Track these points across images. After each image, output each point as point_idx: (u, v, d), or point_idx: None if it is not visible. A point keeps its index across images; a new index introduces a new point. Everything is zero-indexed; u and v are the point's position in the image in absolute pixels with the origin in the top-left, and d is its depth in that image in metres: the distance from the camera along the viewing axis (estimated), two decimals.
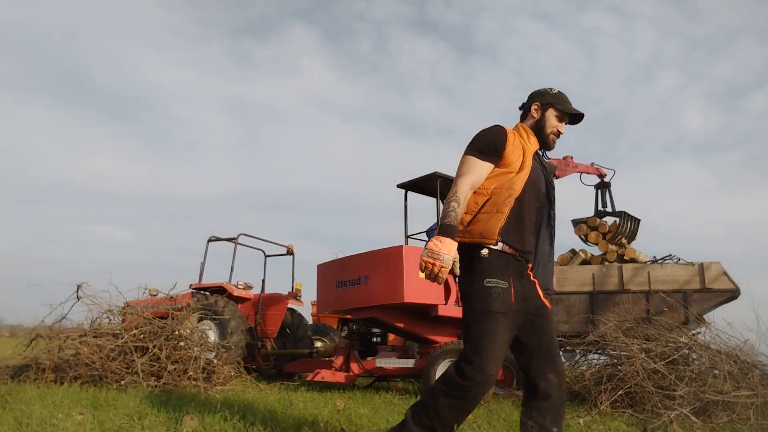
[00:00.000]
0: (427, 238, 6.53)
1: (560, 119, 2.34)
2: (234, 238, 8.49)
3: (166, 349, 5.10)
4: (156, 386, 4.67)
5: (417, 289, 5.40)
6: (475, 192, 2.16)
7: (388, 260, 5.53)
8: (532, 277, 2.22)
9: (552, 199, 2.35)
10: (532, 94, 2.40)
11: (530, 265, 2.24)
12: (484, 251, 2.08)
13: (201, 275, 8.39)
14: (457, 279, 2.22)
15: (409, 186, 6.56)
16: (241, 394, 4.83)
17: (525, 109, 2.41)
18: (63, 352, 5.11)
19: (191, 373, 5.01)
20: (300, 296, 8.60)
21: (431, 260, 1.95)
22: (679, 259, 8.02)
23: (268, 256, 8.99)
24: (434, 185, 6.17)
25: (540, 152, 2.43)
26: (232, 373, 5.58)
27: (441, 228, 2.02)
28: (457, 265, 2.02)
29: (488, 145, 2.17)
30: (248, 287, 8.42)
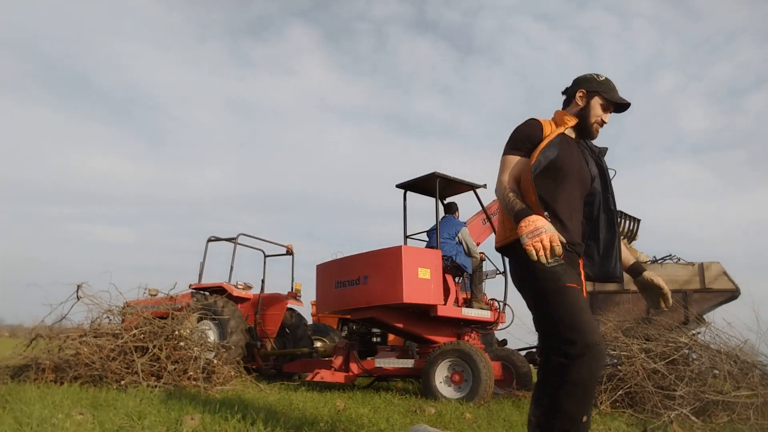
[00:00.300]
0: (427, 239, 6.52)
1: (606, 108, 2.22)
2: (234, 238, 8.49)
3: (166, 349, 5.10)
4: (156, 386, 4.67)
5: (416, 290, 5.40)
6: None
7: (387, 260, 5.53)
8: (582, 276, 2.14)
9: (607, 182, 2.25)
10: (578, 79, 2.27)
11: (581, 262, 2.17)
12: None
13: (201, 275, 8.40)
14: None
15: (408, 186, 6.55)
16: (241, 394, 4.83)
17: (568, 95, 2.29)
18: (63, 352, 5.11)
19: (191, 373, 5.01)
20: (300, 296, 8.60)
21: (537, 238, 1.80)
22: (679, 259, 8.02)
23: (268, 256, 9.00)
24: (433, 185, 6.16)
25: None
26: (232, 373, 5.58)
27: (517, 214, 1.92)
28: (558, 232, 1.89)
29: (523, 140, 2.12)
30: (248, 287, 8.42)
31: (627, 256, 2.32)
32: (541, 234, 1.80)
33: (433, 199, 6.30)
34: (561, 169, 2.10)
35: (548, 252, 1.79)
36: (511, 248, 2.09)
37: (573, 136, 2.26)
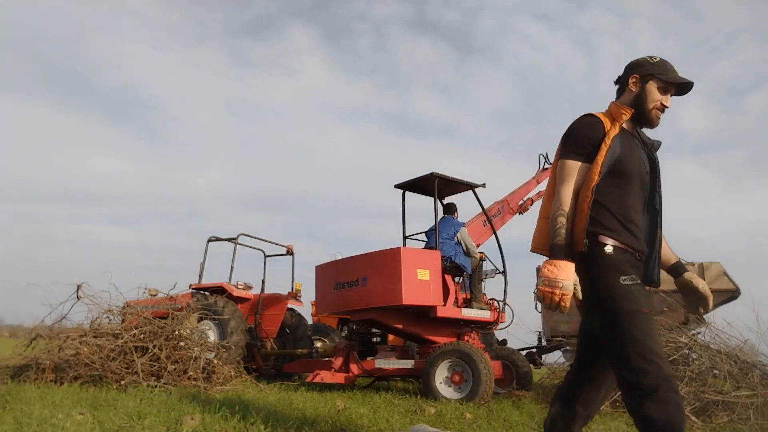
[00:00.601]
0: (426, 239, 6.52)
1: (665, 91, 2.02)
2: (234, 238, 8.49)
3: (166, 349, 5.10)
4: (156, 386, 4.67)
5: (415, 291, 5.40)
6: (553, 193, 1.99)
7: (386, 262, 5.52)
8: None
9: (657, 179, 2.09)
10: (629, 65, 2.09)
11: None
12: (608, 248, 1.89)
13: (201, 275, 8.40)
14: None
15: (407, 186, 6.54)
16: (241, 394, 4.83)
17: (621, 83, 2.11)
18: (63, 352, 5.11)
19: (191, 373, 5.01)
20: (300, 296, 8.60)
21: (549, 289, 1.79)
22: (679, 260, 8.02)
23: (268, 256, 9.00)
24: (432, 185, 6.16)
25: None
26: (232, 373, 5.58)
27: (552, 249, 1.85)
28: (579, 288, 1.86)
29: (584, 143, 1.96)
30: (248, 287, 8.42)
31: (669, 254, 2.20)
32: (556, 288, 1.79)
33: (431, 199, 6.30)
34: (625, 171, 1.96)
35: (554, 307, 1.81)
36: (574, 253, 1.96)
37: (629, 127, 2.08)
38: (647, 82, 2.02)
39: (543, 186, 8.74)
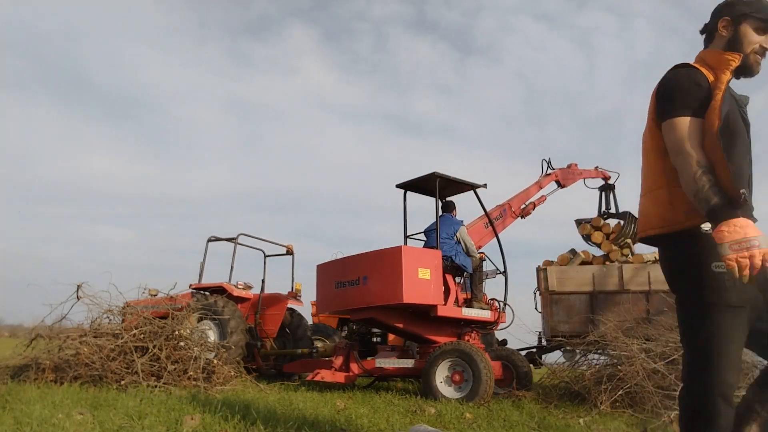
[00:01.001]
0: (425, 238, 6.52)
1: (763, 31, 1.78)
2: (234, 238, 8.49)
3: (166, 349, 5.10)
4: (156, 386, 4.67)
5: (416, 290, 5.40)
6: (660, 158, 1.76)
7: (387, 261, 5.52)
8: None
9: (750, 140, 1.85)
10: (718, 7, 1.85)
11: None
12: (706, 226, 1.64)
13: (201, 275, 8.39)
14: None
15: (408, 186, 6.55)
16: (241, 394, 4.83)
17: (709, 29, 1.88)
18: (63, 352, 5.11)
19: (191, 373, 5.01)
20: (300, 296, 8.60)
21: (745, 252, 1.43)
22: None
23: (268, 256, 9.00)
24: (433, 185, 6.16)
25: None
26: (232, 373, 5.58)
27: (714, 211, 1.52)
28: None
29: (693, 94, 1.69)
30: (248, 287, 8.42)
31: None
32: (753, 248, 1.43)
33: (430, 199, 6.29)
34: (734, 130, 1.70)
35: (755, 273, 1.45)
36: (679, 236, 1.73)
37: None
38: (741, 24, 1.79)
39: (546, 191, 8.76)
